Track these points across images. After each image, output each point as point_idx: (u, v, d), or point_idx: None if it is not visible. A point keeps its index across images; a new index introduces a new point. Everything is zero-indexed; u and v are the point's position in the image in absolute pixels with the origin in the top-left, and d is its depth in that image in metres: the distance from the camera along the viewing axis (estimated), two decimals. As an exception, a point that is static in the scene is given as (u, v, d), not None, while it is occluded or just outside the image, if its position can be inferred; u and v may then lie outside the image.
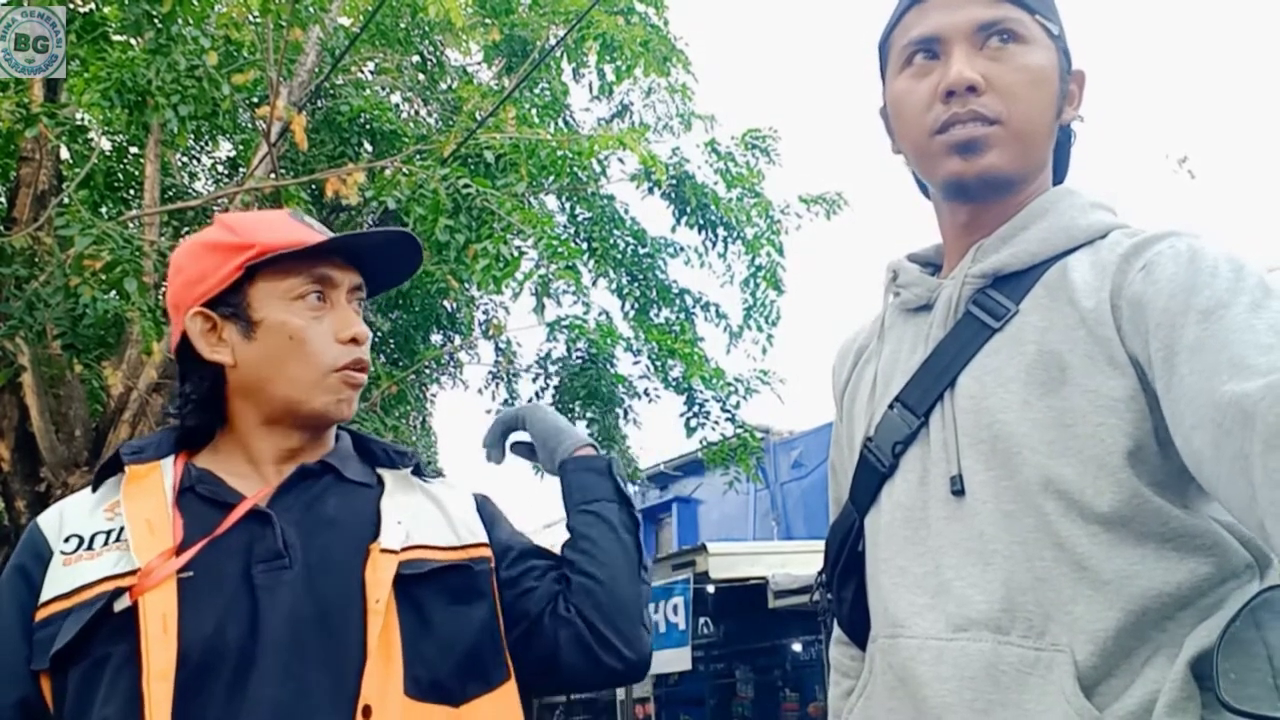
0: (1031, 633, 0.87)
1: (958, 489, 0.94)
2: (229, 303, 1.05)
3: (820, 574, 1.18)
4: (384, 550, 1.00)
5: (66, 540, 0.99)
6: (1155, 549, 0.86)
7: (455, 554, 1.07)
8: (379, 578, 0.98)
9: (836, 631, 1.18)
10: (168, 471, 1.04)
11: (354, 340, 1.06)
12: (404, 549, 1.02)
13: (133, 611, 0.91)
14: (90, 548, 0.98)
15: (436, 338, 8.55)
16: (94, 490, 1.05)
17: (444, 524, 1.09)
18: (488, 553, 1.10)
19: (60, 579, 0.96)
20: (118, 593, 0.93)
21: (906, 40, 1.02)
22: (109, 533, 0.98)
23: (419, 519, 1.08)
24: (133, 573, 0.93)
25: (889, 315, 1.13)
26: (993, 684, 0.87)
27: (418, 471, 1.16)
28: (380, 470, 1.13)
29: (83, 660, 0.92)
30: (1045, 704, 0.84)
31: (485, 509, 1.17)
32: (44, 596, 0.96)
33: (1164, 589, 0.85)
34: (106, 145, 6.70)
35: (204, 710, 0.89)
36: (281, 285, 1.05)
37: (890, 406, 1.03)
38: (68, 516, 1.03)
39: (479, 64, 7.88)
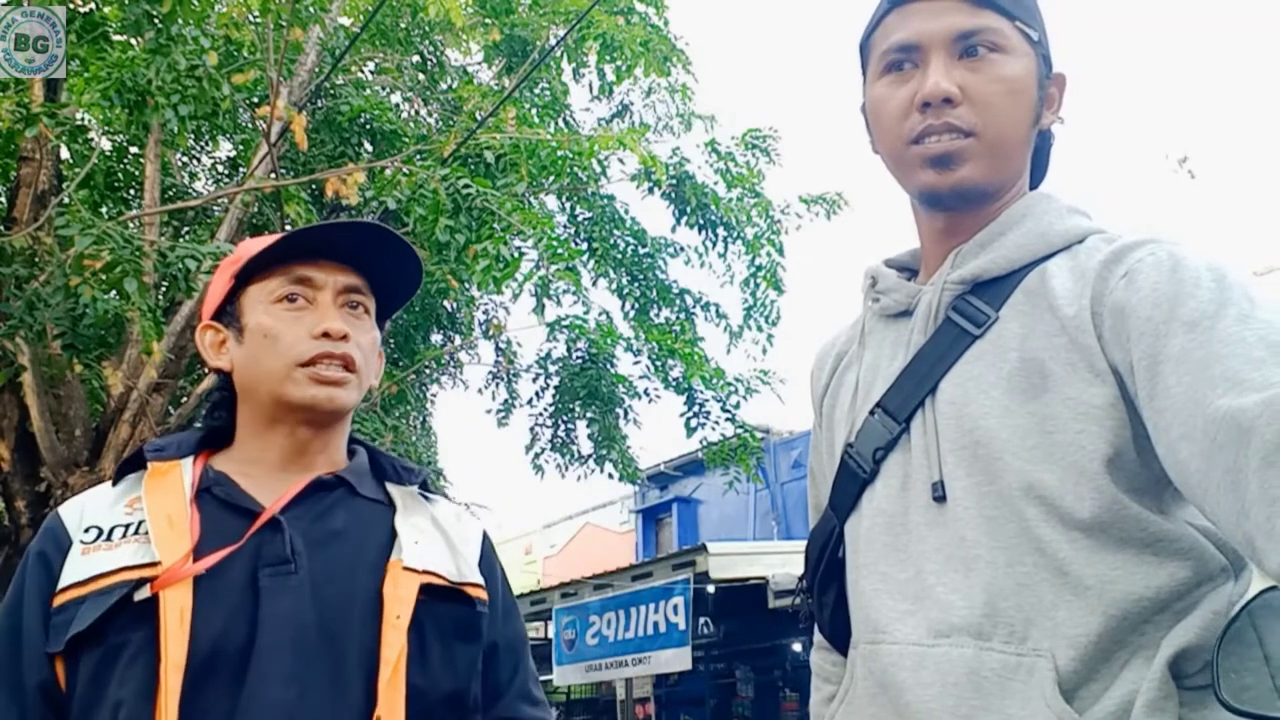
0: (1013, 638, 0.87)
1: (939, 495, 0.94)
2: (227, 313, 1.13)
3: (801, 579, 1.17)
4: (406, 568, 1.03)
5: (86, 531, 1.03)
6: (1135, 554, 0.86)
7: (462, 588, 1.09)
8: (400, 594, 1.01)
9: (817, 637, 1.18)
10: (187, 471, 1.08)
11: (326, 334, 1.07)
12: (423, 571, 1.05)
13: (151, 603, 0.95)
14: (109, 539, 1.01)
15: (436, 338, 8.56)
16: (114, 484, 1.08)
17: (448, 555, 1.10)
18: (484, 595, 1.12)
19: (77, 568, 1.00)
20: (140, 583, 0.96)
21: (886, 45, 1.01)
22: (128, 526, 1.02)
23: (428, 544, 1.09)
24: (152, 564, 0.97)
25: (868, 321, 1.12)
26: (974, 690, 0.87)
27: (424, 488, 1.18)
28: (389, 486, 1.15)
29: (99, 645, 0.95)
30: (1027, 709, 0.84)
31: (488, 556, 1.18)
32: (61, 584, 0.99)
33: (1144, 594, 0.85)
34: (106, 145, 6.70)
35: (208, 702, 0.93)
36: (265, 289, 1.11)
37: (871, 413, 1.03)
38: (88, 509, 1.06)
39: (479, 64, 7.89)
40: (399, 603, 1.00)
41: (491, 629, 1.13)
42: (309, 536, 1.03)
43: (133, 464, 1.09)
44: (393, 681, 0.97)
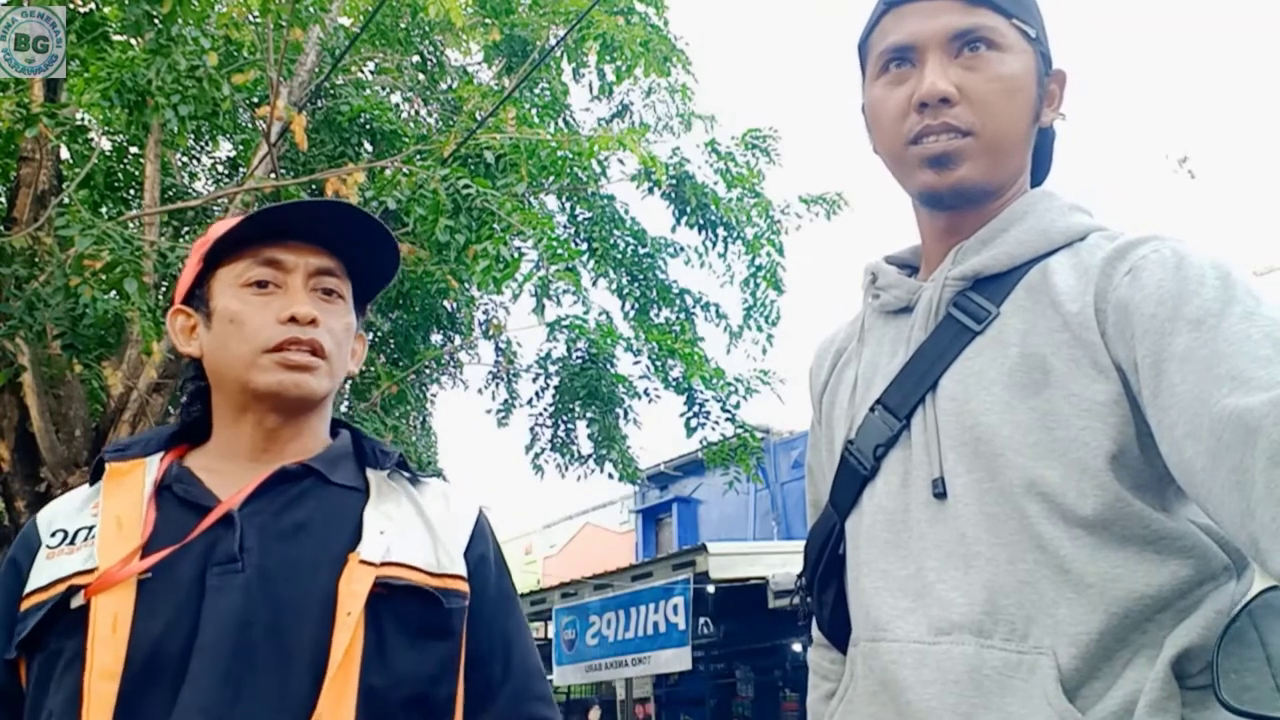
0: (1014, 636, 0.87)
1: (940, 491, 0.94)
2: (197, 297, 1.09)
3: (800, 577, 1.17)
4: (363, 561, 0.98)
5: (53, 535, 1.01)
6: (1137, 552, 0.86)
7: (431, 580, 1.02)
8: (354, 589, 0.96)
9: (816, 634, 1.17)
10: (151, 469, 1.04)
11: (293, 319, 1.03)
12: (383, 563, 0.99)
13: (86, 609, 0.92)
14: (72, 543, 0.99)
15: (436, 338, 8.56)
16: (90, 485, 1.06)
17: (427, 544, 1.05)
18: (464, 588, 1.05)
19: (41, 572, 0.98)
20: (74, 589, 0.94)
21: (883, 46, 1.01)
22: (90, 529, 0.99)
23: (402, 532, 1.04)
24: (93, 570, 0.94)
25: (868, 317, 1.12)
26: (975, 688, 0.87)
27: (406, 470, 1.13)
28: (369, 472, 1.10)
29: (41, 652, 0.94)
30: (1028, 707, 0.84)
31: (478, 543, 1.11)
32: (27, 589, 0.98)
33: (1146, 591, 0.85)
34: (106, 145, 6.71)
35: (147, 711, 0.89)
36: (233, 272, 1.07)
37: (871, 409, 1.02)
38: (59, 512, 1.04)
39: (479, 64, 7.89)
40: (351, 598, 0.95)
41: (477, 622, 1.06)
42: (269, 531, 0.98)
43: (103, 465, 1.06)
44: (337, 682, 0.91)
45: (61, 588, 0.95)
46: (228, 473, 1.04)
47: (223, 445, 1.08)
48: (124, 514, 0.99)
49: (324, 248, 1.08)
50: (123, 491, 1.01)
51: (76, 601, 0.93)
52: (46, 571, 0.97)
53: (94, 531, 0.99)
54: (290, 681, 0.92)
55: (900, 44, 0.99)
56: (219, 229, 1.08)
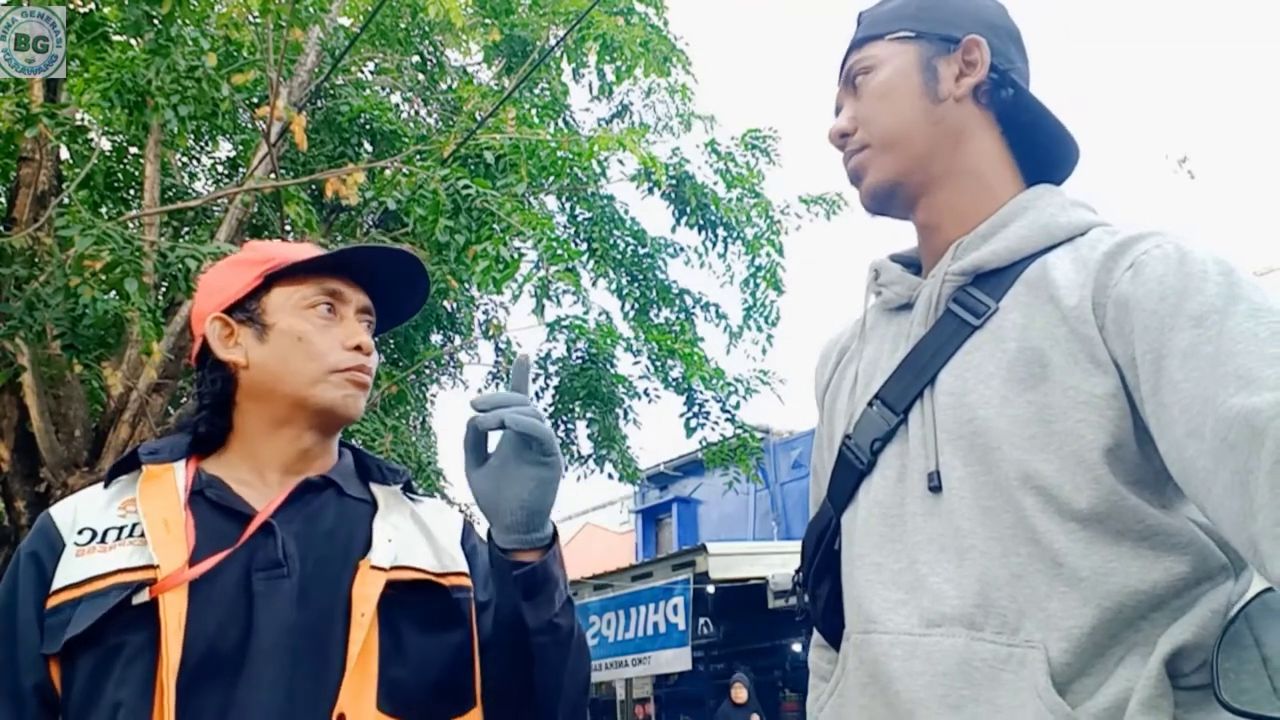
0: (1005, 629, 0.87)
1: (935, 485, 0.94)
2: (246, 309, 1.14)
3: (797, 573, 1.18)
4: (374, 567, 1.05)
5: (80, 533, 1.03)
6: (1132, 547, 0.86)
7: (437, 579, 1.10)
8: (366, 592, 1.02)
9: (815, 636, 1.18)
10: (179, 474, 1.08)
11: (359, 348, 1.12)
12: (391, 568, 1.06)
13: (149, 606, 0.96)
14: (103, 541, 1.02)
15: (436, 338, 8.56)
16: (106, 487, 1.09)
17: (428, 549, 1.13)
18: (468, 582, 1.14)
19: (72, 569, 1.00)
20: (138, 586, 0.97)
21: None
22: (122, 528, 1.03)
23: (407, 541, 1.11)
24: (148, 568, 0.98)
25: (871, 315, 1.14)
26: (965, 680, 0.87)
27: (409, 489, 1.21)
28: (374, 486, 1.17)
29: (95, 647, 0.96)
30: (1018, 700, 0.84)
31: (469, 537, 1.21)
32: (55, 585, 1.00)
33: (1140, 587, 0.85)
34: (106, 145, 6.70)
35: (202, 704, 0.93)
36: (295, 294, 1.13)
37: (870, 404, 1.03)
38: (81, 510, 1.07)
39: (479, 64, 7.89)
40: (364, 600, 1.02)
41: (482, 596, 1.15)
42: (301, 538, 1.05)
43: (125, 467, 1.10)
44: (355, 678, 0.98)
45: (109, 583, 0.97)
46: (251, 483, 1.10)
47: (249, 457, 1.12)
48: (168, 516, 1.03)
49: (366, 289, 1.17)
50: (160, 494, 1.05)
51: (140, 598, 0.96)
52: (78, 569, 1.00)
53: (128, 532, 1.02)
54: (325, 681, 0.97)
55: (836, 100, 1.13)
56: (284, 252, 1.16)
